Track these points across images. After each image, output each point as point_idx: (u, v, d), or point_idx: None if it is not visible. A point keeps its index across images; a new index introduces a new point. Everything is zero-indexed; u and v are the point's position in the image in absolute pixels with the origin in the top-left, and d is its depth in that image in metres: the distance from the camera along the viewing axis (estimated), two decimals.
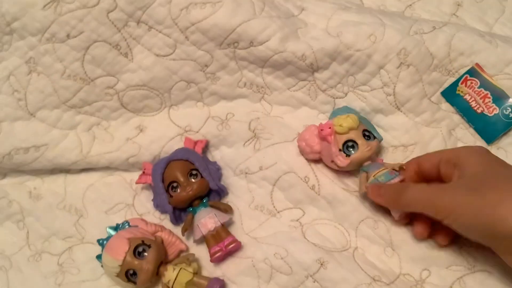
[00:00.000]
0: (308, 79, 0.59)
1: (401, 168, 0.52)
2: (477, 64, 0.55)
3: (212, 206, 0.54)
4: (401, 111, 0.57)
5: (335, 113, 0.55)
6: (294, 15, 0.59)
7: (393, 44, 0.55)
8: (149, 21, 0.56)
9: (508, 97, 0.55)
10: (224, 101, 0.61)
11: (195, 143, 0.58)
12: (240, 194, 0.57)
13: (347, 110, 0.56)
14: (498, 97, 0.55)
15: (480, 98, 0.56)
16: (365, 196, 0.52)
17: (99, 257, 0.53)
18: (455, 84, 0.56)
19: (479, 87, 0.55)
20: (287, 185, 0.56)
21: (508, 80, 0.55)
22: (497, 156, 0.46)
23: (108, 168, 0.60)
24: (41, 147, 0.58)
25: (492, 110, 0.55)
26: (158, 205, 0.56)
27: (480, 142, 0.56)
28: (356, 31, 0.56)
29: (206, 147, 0.59)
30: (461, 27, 0.58)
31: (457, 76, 0.56)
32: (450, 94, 0.57)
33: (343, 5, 0.61)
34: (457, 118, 0.57)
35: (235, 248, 0.52)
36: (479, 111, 0.56)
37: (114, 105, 0.59)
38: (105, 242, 0.53)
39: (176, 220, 0.55)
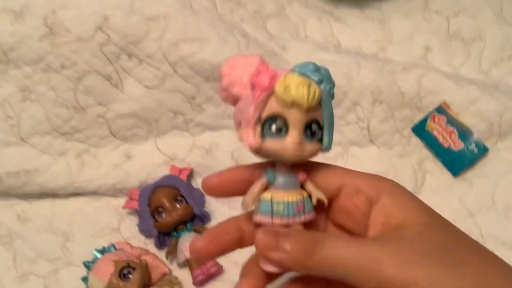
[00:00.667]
0: None
1: (320, 202, 0.31)
2: (444, 103, 0.60)
3: (195, 231, 0.57)
4: (375, 144, 0.61)
5: (303, 67, 0.29)
6: (277, 53, 0.64)
7: (368, 82, 0.60)
8: (140, 54, 0.60)
9: (472, 134, 0.59)
10: (208, 131, 0.64)
11: (180, 170, 0.60)
12: (222, 220, 0.59)
13: (321, 72, 0.30)
14: (464, 133, 0.59)
15: (447, 134, 0.60)
16: (245, 208, 0.30)
17: (85, 279, 0.55)
18: (424, 121, 0.61)
19: (446, 124, 0.60)
20: None
21: (472, 118, 0.60)
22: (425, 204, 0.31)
23: (95, 193, 0.62)
24: (32, 172, 0.60)
25: (458, 145, 0.60)
26: (143, 230, 0.59)
27: (447, 174, 0.60)
28: (333, 70, 0.60)
29: (191, 174, 0.62)
30: (430, 68, 0.62)
31: (426, 113, 0.61)
32: (420, 130, 0.61)
33: (322, 46, 0.65)
34: (426, 151, 0.61)
35: (217, 272, 0.55)
36: (446, 145, 0.60)
37: (104, 133, 0.62)
38: (91, 264, 0.55)
39: (160, 244, 0.58)
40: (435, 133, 0.60)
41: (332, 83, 0.30)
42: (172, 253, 0.56)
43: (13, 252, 0.60)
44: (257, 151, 0.29)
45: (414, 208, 0.29)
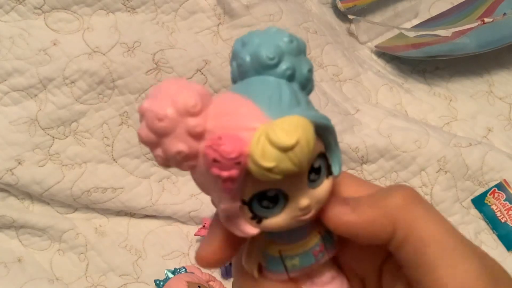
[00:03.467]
0: (356, 169, 0.67)
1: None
2: (504, 180, 0.64)
3: None
4: None
5: (256, 58, 0.21)
6: (351, 113, 0.69)
7: (436, 151, 0.65)
8: None
9: None
10: None
11: None
12: None
13: (286, 58, 0.21)
14: None
15: (505, 210, 0.64)
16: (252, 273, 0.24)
17: None
18: (484, 194, 0.65)
19: (504, 200, 0.64)
20: None
21: None
22: None
23: (169, 218, 0.67)
24: (118, 190, 0.65)
25: None
26: None
27: (501, 248, 0.64)
28: (404, 134, 0.66)
29: None
30: (493, 147, 0.67)
31: (486, 187, 0.65)
32: (479, 202, 0.65)
33: (392, 112, 0.71)
34: (483, 223, 0.65)
35: None
36: (503, 220, 0.64)
37: None
38: (161, 283, 0.59)
39: (226, 274, 0.61)
40: (494, 207, 0.64)
41: (310, 65, 0.22)
42: None
43: (86, 262, 0.64)
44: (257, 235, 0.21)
45: None
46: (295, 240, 0.22)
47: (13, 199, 0.66)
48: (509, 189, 0.64)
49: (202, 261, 0.23)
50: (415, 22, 0.83)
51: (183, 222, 0.67)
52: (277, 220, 0.20)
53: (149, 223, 0.67)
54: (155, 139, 0.20)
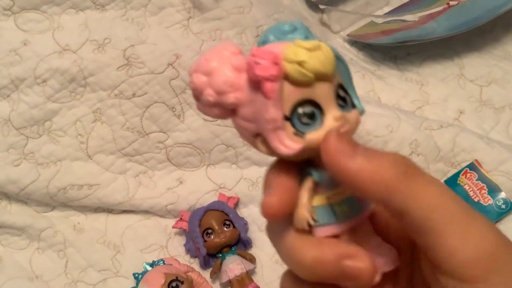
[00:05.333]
0: None
1: None
2: (476, 160, 0.65)
3: (239, 255, 0.61)
4: None
5: (276, 31, 0.24)
6: None
7: (407, 135, 0.65)
8: None
9: (500, 191, 0.64)
10: (255, 166, 0.69)
11: (228, 199, 0.66)
12: (263, 248, 0.64)
13: (300, 29, 0.25)
14: (493, 190, 0.64)
15: (477, 189, 0.65)
16: (304, 225, 0.24)
17: None
18: (456, 175, 0.66)
19: (476, 180, 0.65)
20: None
21: (501, 177, 0.65)
22: None
23: (146, 212, 0.67)
24: (94, 186, 0.66)
25: (487, 200, 0.64)
26: (189, 250, 0.63)
27: None
28: (376, 120, 0.66)
29: (237, 203, 0.67)
30: (464, 128, 0.68)
31: (458, 168, 0.66)
32: (452, 183, 0.66)
33: (365, 99, 0.72)
34: None
35: None
36: (476, 200, 0.65)
37: (161, 157, 0.68)
38: (140, 276, 0.59)
39: (205, 264, 0.62)
40: (466, 187, 0.65)
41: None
42: (216, 273, 0.60)
43: (65, 260, 0.65)
44: (299, 154, 0.23)
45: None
46: (339, 184, 0.24)
47: None
48: (481, 169, 0.65)
49: (267, 210, 0.23)
50: (387, 9, 0.83)
51: (161, 216, 0.67)
52: (318, 133, 0.23)
53: (127, 218, 0.67)
54: (205, 80, 0.23)
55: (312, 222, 0.24)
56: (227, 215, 0.62)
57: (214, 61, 0.23)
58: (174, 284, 0.57)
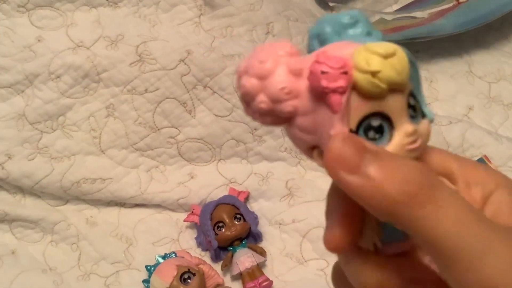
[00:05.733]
0: None
1: None
2: (485, 156, 0.66)
3: (249, 248, 0.62)
4: None
5: (334, 23, 0.22)
6: None
7: None
8: (214, 86, 0.67)
9: None
10: (265, 161, 0.70)
11: (239, 193, 0.66)
12: (273, 241, 0.65)
13: (362, 22, 0.22)
14: None
15: None
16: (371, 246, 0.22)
17: (145, 281, 0.60)
18: None
19: None
20: (316, 238, 0.64)
21: (510, 172, 0.65)
22: None
23: (158, 206, 0.68)
24: (106, 180, 0.67)
25: None
26: (200, 243, 0.64)
27: None
28: None
29: (247, 198, 0.68)
30: (473, 124, 0.69)
31: None
32: None
33: None
34: None
35: (268, 286, 0.59)
36: None
37: (173, 152, 0.69)
38: (152, 268, 0.60)
39: (216, 257, 0.63)
40: None
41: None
42: (227, 265, 0.61)
43: (78, 252, 0.66)
44: None
45: None
46: None
47: (5, 193, 0.68)
48: (490, 164, 0.65)
49: (330, 244, 0.21)
50: (396, 7, 0.84)
51: (172, 210, 0.68)
52: (387, 150, 0.20)
53: (139, 212, 0.68)
54: (258, 84, 0.20)
55: (379, 244, 0.21)
56: (238, 208, 0.63)
57: (268, 62, 0.20)
58: (186, 276, 0.58)
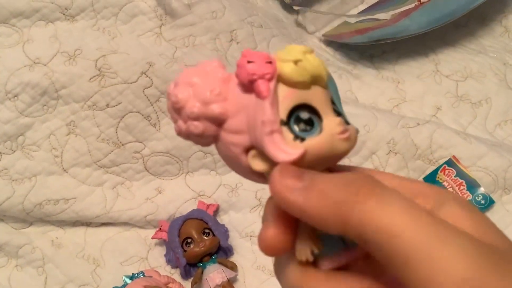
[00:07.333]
0: None
1: None
2: (454, 157, 0.65)
3: (220, 263, 0.61)
4: None
5: None
6: None
7: (384, 134, 0.65)
8: None
9: (479, 186, 0.64)
10: (234, 172, 0.69)
11: (208, 206, 0.65)
12: (244, 254, 0.63)
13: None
14: (471, 185, 0.64)
15: (456, 185, 0.65)
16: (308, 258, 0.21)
17: None
18: (435, 172, 0.66)
19: (455, 176, 0.65)
20: None
21: (479, 172, 0.65)
22: None
23: (126, 224, 0.67)
24: (70, 200, 0.65)
25: (466, 196, 0.64)
26: (170, 260, 0.62)
27: None
28: (353, 120, 0.66)
29: (217, 210, 0.67)
30: (441, 125, 0.68)
31: (437, 165, 0.66)
32: (431, 180, 0.66)
33: (342, 99, 0.71)
34: None
35: None
36: None
37: (139, 167, 0.67)
38: None
39: (186, 275, 0.61)
40: (445, 184, 0.65)
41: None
42: (197, 283, 0.60)
43: (45, 276, 0.64)
44: (299, 161, 0.21)
45: (483, 223, 0.22)
46: None
47: None
48: (459, 165, 0.65)
49: (263, 243, 0.21)
50: (362, 7, 0.83)
51: (140, 227, 0.67)
52: (319, 139, 0.21)
53: (106, 230, 0.66)
54: (189, 91, 0.22)
55: (316, 251, 0.21)
56: (207, 223, 0.62)
57: (197, 75, 0.22)
58: None
